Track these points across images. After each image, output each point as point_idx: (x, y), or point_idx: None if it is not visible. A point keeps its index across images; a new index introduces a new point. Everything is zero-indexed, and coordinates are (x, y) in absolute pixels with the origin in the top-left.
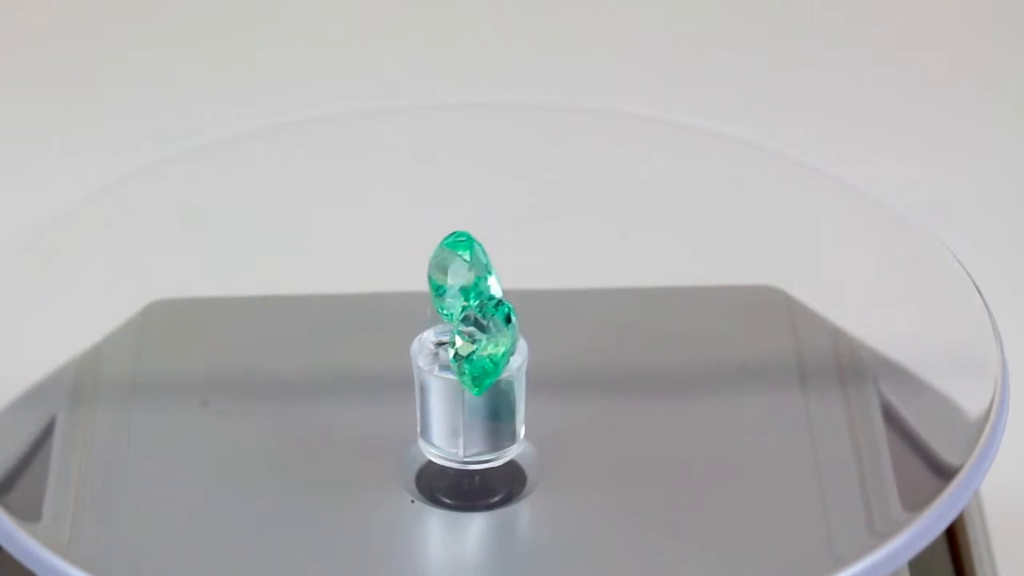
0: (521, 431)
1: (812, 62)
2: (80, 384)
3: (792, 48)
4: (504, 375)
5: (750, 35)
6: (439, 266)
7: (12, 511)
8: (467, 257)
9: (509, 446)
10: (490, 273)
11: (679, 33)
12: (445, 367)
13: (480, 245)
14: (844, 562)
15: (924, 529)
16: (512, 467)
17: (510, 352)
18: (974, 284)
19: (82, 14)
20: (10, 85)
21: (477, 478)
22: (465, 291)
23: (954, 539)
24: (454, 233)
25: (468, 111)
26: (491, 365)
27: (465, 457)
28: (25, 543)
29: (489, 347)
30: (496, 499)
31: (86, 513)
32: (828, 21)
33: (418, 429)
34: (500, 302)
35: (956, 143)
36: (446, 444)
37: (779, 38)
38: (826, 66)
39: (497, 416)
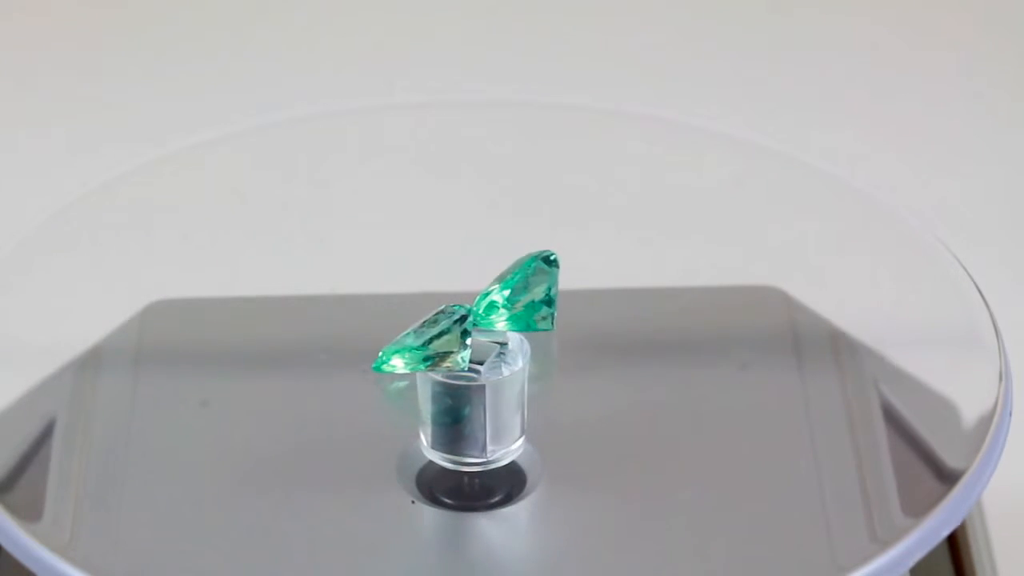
0: (522, 432)
1: (813, 61)
2: (80, 384)
3: (793, 47)
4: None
5: (751, 33)
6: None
7: (12, 511)
8: (528, 274)
9: (510, 447)
10: (551, 301)
11: (679, 31)
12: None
13: (553, 274)
14: (845, 570)
15: (927, 535)
16: (512, 467)
17: (422, 357)
18: (974, 284)
19: (81, 13)
20: (10, 83)
21: (477, 478)
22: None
23: (955, 543)
24: (545, 252)
25: (468, 110)
26: (399, 350)
27: (502, 449)
28: (25, 543)
29: (423, 339)
30: (496, 499)
31: (86, 513)
32: (829, 20)
33: (419, 429)
34: (468, 319)
35: (956, 143)
36: (446, 446)
37: (780, 37)
38: (827, 65)
39: (498, 418)
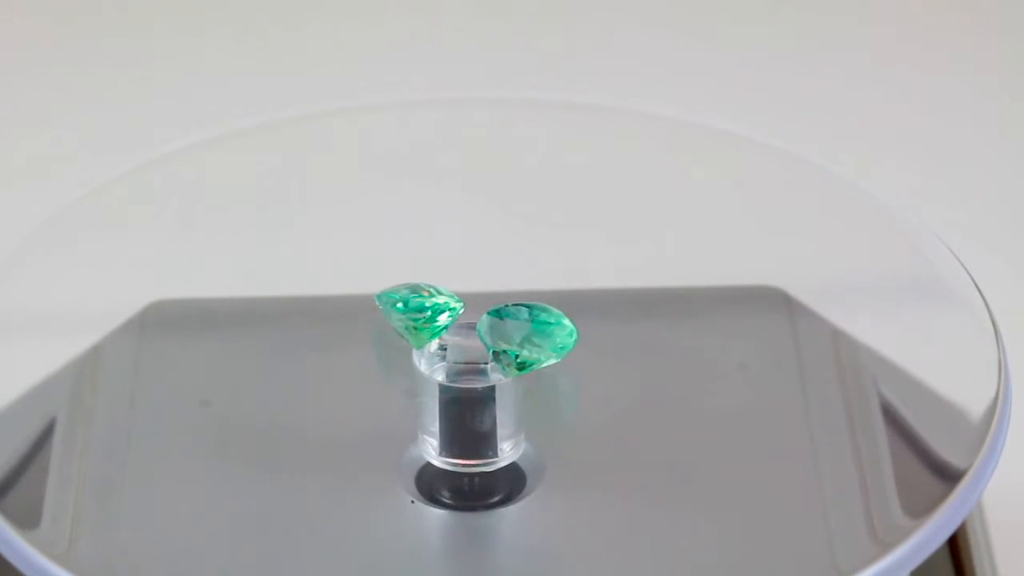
0: (520, 436)
1: (813, 60)
2: (80, 384)
3: (793, 46)
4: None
5: (751, 32)
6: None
7: (10, 514)
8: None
9: (502, 453)
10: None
11: (679, 29)
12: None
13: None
14: (845, 572)
15: (928, 537)
16: (512, 468)
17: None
18: (974, 284)
19: (82, 12)
20: (9, 83)
21: (477, 479)
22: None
23: (955, 543)
24: (563, 326)
25: (467, 109)
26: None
27: (453, 460)
28: (23, 550)
29: (406, 295)
30: (496, 500)
31: (85, 516)
32: (830, 19)
33: (418, 430)
34: (438, 310)
35: (956, 143)
36: (445, 446)
37: (780, 35)
38: (827, 64)
39: (489, 422)
